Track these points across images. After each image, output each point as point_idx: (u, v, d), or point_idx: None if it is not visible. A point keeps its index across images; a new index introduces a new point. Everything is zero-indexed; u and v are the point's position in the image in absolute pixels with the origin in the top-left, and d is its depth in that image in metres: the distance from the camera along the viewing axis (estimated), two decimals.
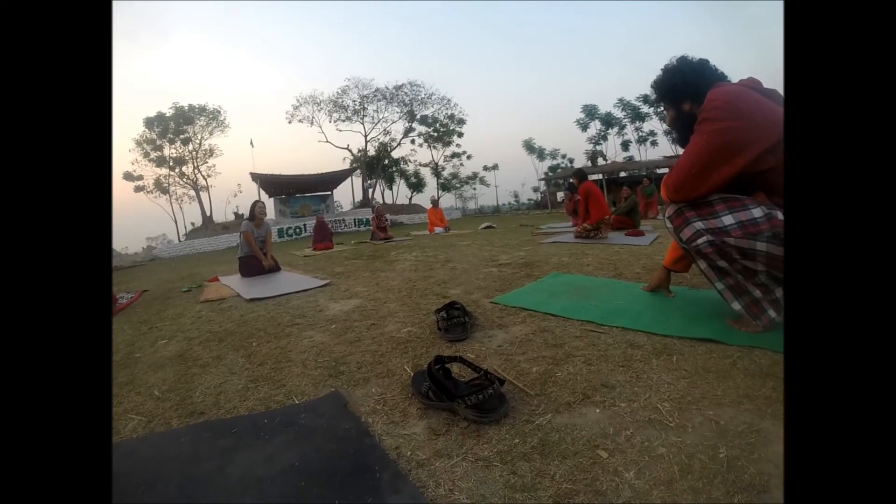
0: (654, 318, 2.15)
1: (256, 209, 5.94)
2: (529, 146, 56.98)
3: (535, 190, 57.92)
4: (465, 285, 3.40)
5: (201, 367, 2.21)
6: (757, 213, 1.71)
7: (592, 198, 6.77)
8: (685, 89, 2.01)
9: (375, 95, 39.61)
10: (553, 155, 57.19)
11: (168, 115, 35.16)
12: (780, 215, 1.67)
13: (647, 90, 2.18)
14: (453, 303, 2.25)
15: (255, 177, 26.77)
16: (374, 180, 41.44)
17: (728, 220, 1.77)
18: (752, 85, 1.90)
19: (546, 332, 2.06)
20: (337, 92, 39.36)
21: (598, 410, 1.32)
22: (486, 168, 58.67)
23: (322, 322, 2.70)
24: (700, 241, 1.85)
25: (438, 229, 12.02)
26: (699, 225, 1.86)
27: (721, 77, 2.00)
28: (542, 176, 48.32)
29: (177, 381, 2.07)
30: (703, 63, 2.03)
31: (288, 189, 29.36)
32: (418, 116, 42.28)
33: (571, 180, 8.67)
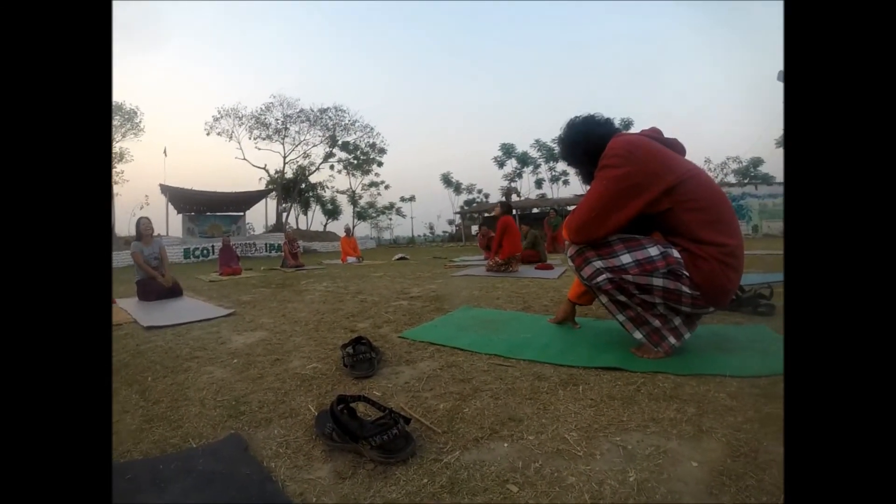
0: (560, 349, 2.22)
1: (141, 226, 5.60)
2: (447, 180, 58.16)
3: (451, 223, 59.00)
4: (374, 318, 3.36)
5: None
6: (653, 251, 1.85)
7: (509, 232, 6.96)
8: (588, 146, 2.15)
9: (300, 116, 38.89)
10: (469, 189, 58.86)
11: None
12: (675, 253, 1.82)
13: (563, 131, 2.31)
14: (360, 338, 2.21)
15: (165, 189, 25.27)
16: (290, 204, 40.43)
17: (626, 258, 1.89)
18: (651, 134, 2.07)
19: (454, 367, 2.07)
20: (261, 108, 38.25)
21: (506, 445, 1.33)
22: (403, 199, 59.23)
23: (224, 356, 2.56)
24: (600, 278, 1.98)
25: (351, 259, 11.95)
26: (598, 264, 1.98)
27: (617, 129, 2.18)
28: (458, 209, 49.34)
29: None
30: (601, 119, 2.21)
31: (199, 206, 27.88)
32: (340, 142, 41.86)
33: (492, 212, 8.95)
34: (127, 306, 4.88)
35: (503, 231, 6.96)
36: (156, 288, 5.21)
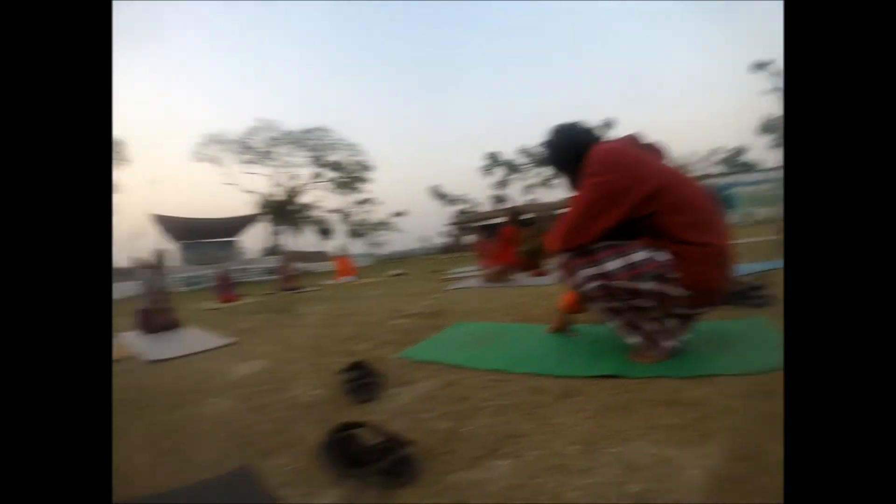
0: (558, 360, 2.25)
1: (157, 258, 5.77)
2: (436, 192, 58.29)
3: (443, 235, 59.06)
4: (372, 340, 3.37)
5: None
6: (640, 255, 1.89)
7: (511, 241, 6.97)
8: (571, 153, 2.19)
9: (284, 138, 39.15)
10: (459, 200, 58.89)
11: None
12: (661, 256, 1.85)
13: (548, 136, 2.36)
14: (359, 362, 2.23)
15: (158, 219, 25.38)
16: (282, 226, 40.47)
17: (613, 264, 1.93)
18: (629, 142, 2.11)
19: (453, 386, 2.09)
20: (245, 132, 38.58)
21: (507, 462, 1.35)
22: (395, 214, 59.12)
23: (226, 387, 2.59)
24: (589, 286, 2.00)
25: (346, 278, 11.96)
26: (587, 272, 2.01)
27: (598, 137, 2.23)
28: (450, 220, 49.37)
29: None
30: (584, 127, 2.27)
31: (192, 234, 27.98)
32: (327, 161, 42.05)
33: (489, 221, 8.82)
34: (128, 339, 4.90)
35: (505, 239, 6.95)
36: (156, 320, 5.24)
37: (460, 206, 58.51)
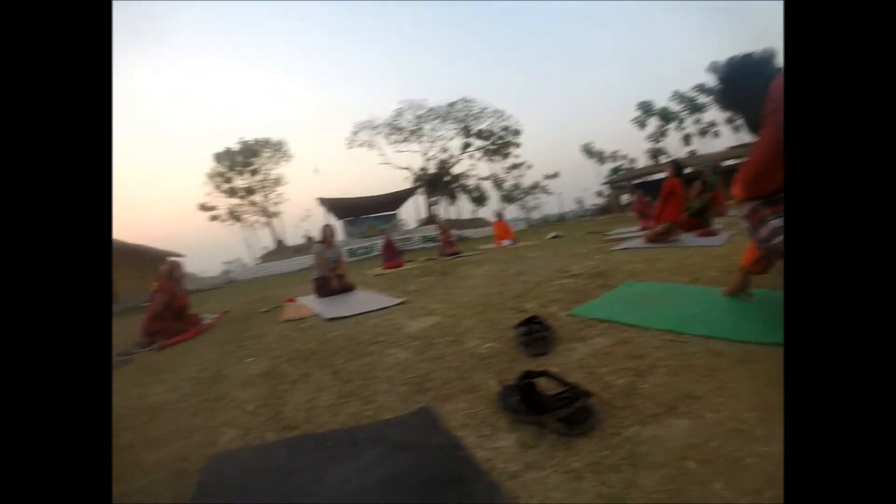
0: (734, 323, 2.10)
1: (325, 232, 6.32)
2: (588, 151, 56.05)
3: (599, 195, 56.69)
4: (539, 298, 3.37)
5: (290, 383, 2.35)
6: None
7: (674, 197, 6.29)
8: (749, 89, 1.97)
9: (430, 114, 40.38)
10: (613, 157, 56.03)
11: (235, 149, 37.08)
12: None
13: (702, 79, 2.13)
14: (533, 317, 2.27)
15: (323, 201, 27.69)
16: (437, 197, 41.77)
17: None
18: None
19: (627, 344, 2.05)
20: (392, 114, 40.52)
21: (684, 421, 1.31)
22: (547, 177, 57.98)
23: (403, 340, 2.78)
24: (778, 239, 1.79)
25: (505, 242, 11.91)
26: (776, 222, 1.77)
27: (779, 69, 1.95)
28: (605, 179, 47.34)
29: (268, 397, 2.20)
30: (762, 56, 2.00)
31: (354, 211, 30.06)
32: (474, 131, 42.42)
33: (655, 176, 8.16)
34: (307, 303, 5.49)
35: (668, 195, 6.36)
36: (330, 286, 5.80)
37: (615, 164, 55.77)
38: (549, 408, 1.39)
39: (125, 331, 6.56)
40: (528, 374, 1.53)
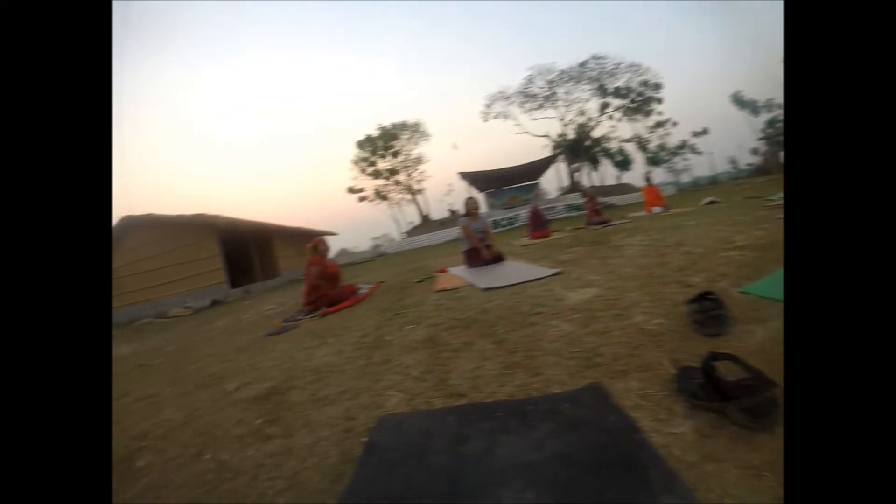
0: None
1: (468, 205, 6.45)
2: (739, 101, 50.61)
3: (754, 152, 50.80)
4: (706, 272, 3.07)
5: (453, 351, 2.38)
6: None
7: None
8: None
9: (561, 77, 38.85)
10: (769, 107, 49.63)
11: (375, 135, 38.82)
12: None
13: None
14: (707, 292, 2.06)
15: (464, 175, 28.20)
16: (579, 164, 40.51)
17: None
18: None
19: None
20: (523, 82, 39.51)
21: None
22: (694, 134, 52.69)
23: (564, 311, 2.69)
24: None
25: (656, 209, 11.14)
26: None
27: None
28: (760, 134, 42.60)
29: (432, 364, 2.25)
30: None
31: (495, 183, 30.28)
32: (610, 90, 40.20)
33: None
34: (458, 272, 5.57)
35: None
36: (479, 255, 5.86)
37: (770, 115, 49.62)
38: (731, 395, 1.27)
39: (289, 300, 7.17)
40: (714, 356, 1.40)
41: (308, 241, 5.63)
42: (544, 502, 1.12)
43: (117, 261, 14.39)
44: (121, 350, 6.08)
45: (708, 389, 1.33)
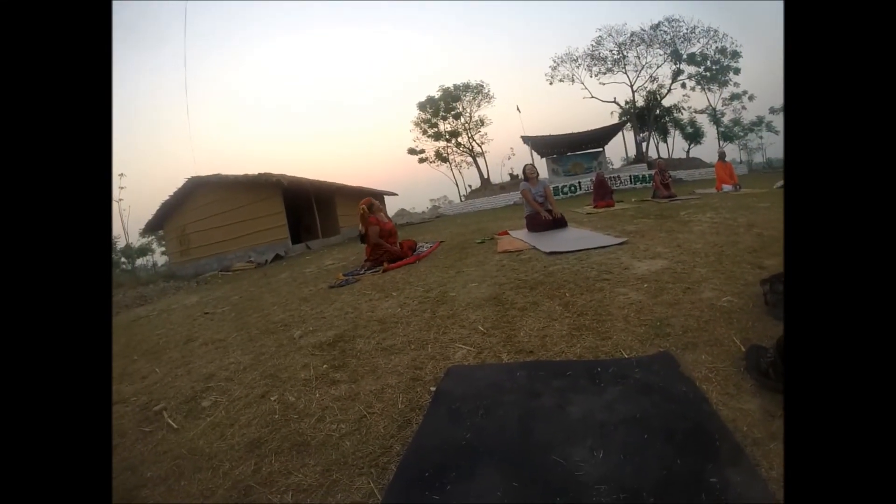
0: None
1: (527, 170, 6.50)
2: None
3: None
4: (778, 255, 2.91)
5: (519, 310, 2.42)
6: None
7: None
8: None
9: (633, 40, 36.75)
10: None
11: (437, 96, 38.29)
12: None
13: None
14: (781, 275, 2.00)
15: (526, 139, 27.64)
16: (647, 133, 38.88)
17: None
18: None
19: None
20: (591, 45, 37.56)
21: None
22: (772, 110, 48.94)
23: (632, 280, 2.68)
24: None
25: (727, 187, 10.53)
26: None
27: None
28: None
29: (498, 321, 2.30)
30: None
31: (558, 148, 29.55)
32: (684, 56, 37.77)
33: None
34: (519, 236, 5.58)
35: None
36: (540, 220, 5.83)
37: None
38: None
39: (350, 256, 7.32)
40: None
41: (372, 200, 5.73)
42: (613, 462, 1.16)
43: (185, 218, 15.05)
44: (188, 300, 6.37)
45: (778, 370, 1.33)
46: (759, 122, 46.36)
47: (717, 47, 37.38)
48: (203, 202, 14.59)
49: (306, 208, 15.51)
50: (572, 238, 4.72)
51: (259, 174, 13.08)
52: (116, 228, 29.95)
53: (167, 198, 14.96)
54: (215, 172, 14.13)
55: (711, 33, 36.64)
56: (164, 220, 15.86)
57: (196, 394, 2.13)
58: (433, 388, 1.67)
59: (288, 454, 1.45)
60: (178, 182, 14.37)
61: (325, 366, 2.12)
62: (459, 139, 39.12)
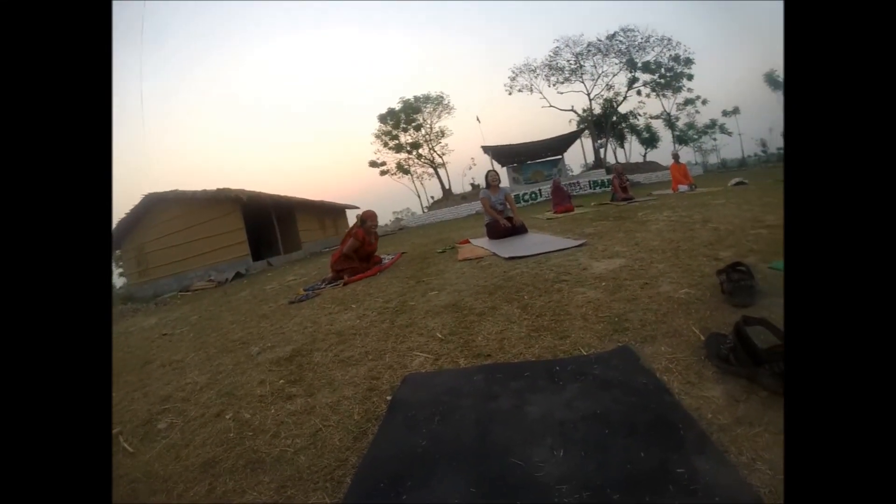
0: None
1: (489, 177, 6.62)
2: (773, 81, 48.93)
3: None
4: (735, 247, 3.04)
5: (478, 315, 2.40)
6: None
7: None
8: None
9: (589, 50, 37.76)
10: None
11: (397, 108, 38.34)
12: None
13: None
14: (738, 264, 2.04)
15: (487, 149, 28.00)
16: (605, 139, 39.73)
17: None
18: None
19: None
20: (549, 55, 38.45)
21: None
22: (725, 113, 50.93)
23: (590, 280, 2.69)
24: None
25: (683, 187, 10.86)
26: None
27: None
28: None
29: (456, 327, 2.27)
30: None
31: (519, 157, 29.97)
32: (639, 64, 38.95)
33: None
34: (480, 244, 5.59)
35: None
36: (500, 227, 5.86)
37: None
38: (763, 360, 1.26)
39: (311, 272, 7.23)
40: (747, 321, 1.40)
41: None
42: (575, 460, 1.13)
43: (142, 237, 14.65)
44: (146, 322, 6.21)
45: (739, 355, 1.33)
46: (713, 124, 48.20)
47: (671, 55, 38.66)
48: (161, 220, 14.25)
49: (267, 224, 15.28)
50: (532, 243, 4.74)
51: (218, 189, 12.85)
52: None
53: (123, 215, 14.49)
54: (172, 188, 13.81)
55: (665, 41, 37.88)
56: (121, 239, 15.35)
57: (152, 416, 2.05)
58: (389, 398, 1.63)
59: (242, 472, 1.39)
60: (134, 199, 13.99)
61: (281, 381, 2.06)
62: (420, 151, 39.24)
